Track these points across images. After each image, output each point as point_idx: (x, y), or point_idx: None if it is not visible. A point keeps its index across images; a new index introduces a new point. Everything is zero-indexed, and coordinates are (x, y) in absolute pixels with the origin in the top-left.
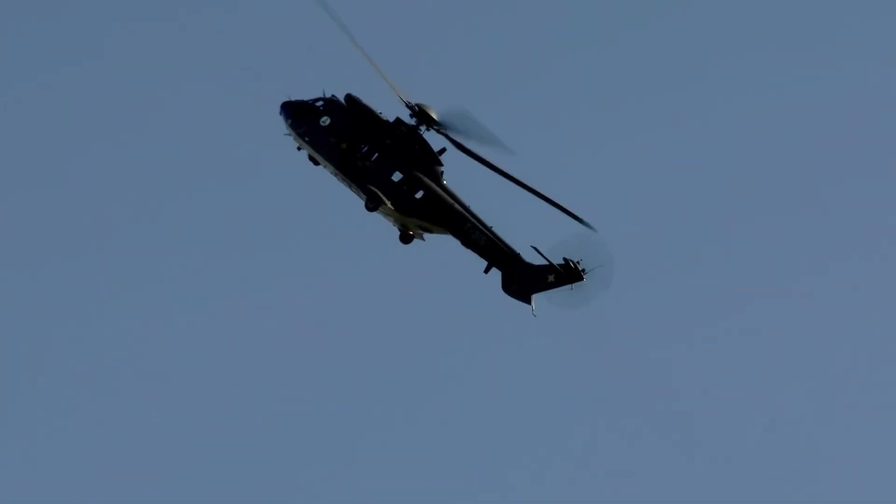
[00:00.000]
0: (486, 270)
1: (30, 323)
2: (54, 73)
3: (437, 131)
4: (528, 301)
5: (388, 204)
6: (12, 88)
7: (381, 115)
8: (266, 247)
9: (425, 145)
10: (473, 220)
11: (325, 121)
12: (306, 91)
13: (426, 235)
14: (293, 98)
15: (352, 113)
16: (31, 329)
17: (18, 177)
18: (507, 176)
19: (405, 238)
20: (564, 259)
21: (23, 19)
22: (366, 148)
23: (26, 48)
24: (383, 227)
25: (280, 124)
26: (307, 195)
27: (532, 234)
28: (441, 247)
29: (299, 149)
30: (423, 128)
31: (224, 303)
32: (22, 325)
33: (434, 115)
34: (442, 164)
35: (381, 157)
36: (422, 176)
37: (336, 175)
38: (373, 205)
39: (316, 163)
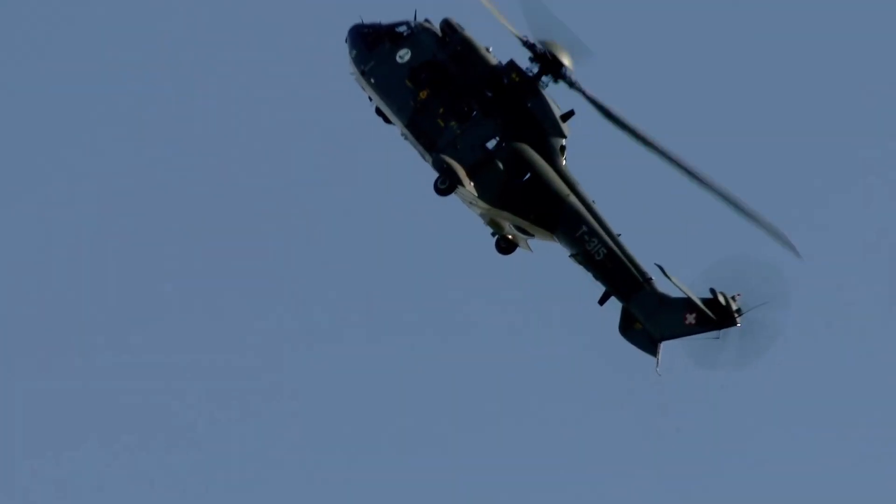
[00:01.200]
0: (602, 301)
1: None
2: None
3: (570, 86)
4: (654, 352)
5: (469, 186)
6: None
7: (489, 54)
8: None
9: (544, 104)
10: (593, 223)
11: (405, 55)
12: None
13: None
14: (368, 21)
15: (446, 47)
16: None
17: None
18: (668, 158)
19: (505, 245)
20: (713, 291)
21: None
22: (457, 100)
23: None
24: (468, 222)
25: (346, 57)
26: (368, 168)
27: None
28: (542, 259)
29: (371, 100)
30: (546, 78)
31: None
32: None
33: (566, 62)
34: (565, 136)
35: (476, 114)
36: (529, 149)
37: (406, 137)
38: (445, 185)
39: (386, 119)
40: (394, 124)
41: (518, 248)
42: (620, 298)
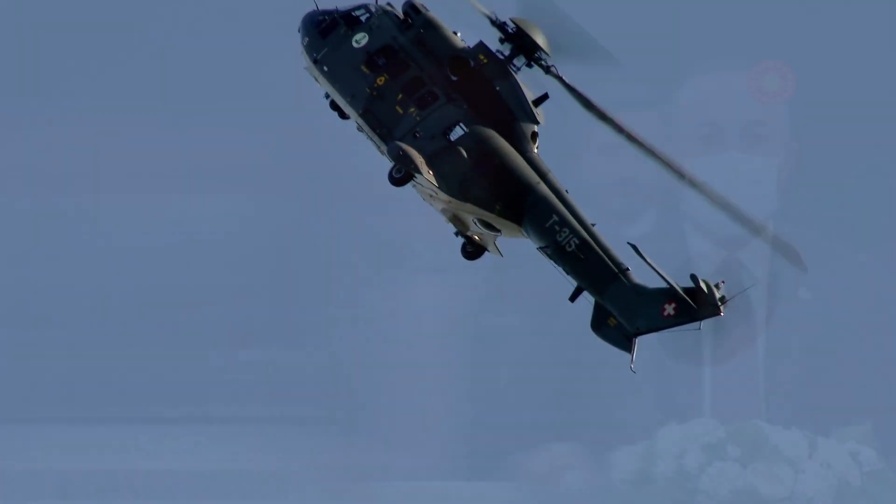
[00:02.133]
0: (573, 297)
1: None
2: None
3: (545, 69)
4: (629, 348)
5: (428, 174)
6: None
7: (455, 37)
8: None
9: (514, 87)
10: (564, 212)
11: (361, 39)
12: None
13: (498, 243)
14: (323, 8)
15: (409, 30)
16: None
17: None
18: (648, 150)
19: (472, 250)
20: (693, 278)
21: None
22: (418, 85)
23: None
24: (432, 221)
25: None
26: (323, 170)
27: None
28: (507, 255)
29: (327, 96)
30: (518, 61)
31: None
32: None
33: (540, 42)
34: (538, 122)
35: (439, 101)
36: (495, 136)
37: (361, 128)
38: (401, 173)
39: (342, 114)
40: (350, 118)
41: (486, 253)
42: (593, 293)
